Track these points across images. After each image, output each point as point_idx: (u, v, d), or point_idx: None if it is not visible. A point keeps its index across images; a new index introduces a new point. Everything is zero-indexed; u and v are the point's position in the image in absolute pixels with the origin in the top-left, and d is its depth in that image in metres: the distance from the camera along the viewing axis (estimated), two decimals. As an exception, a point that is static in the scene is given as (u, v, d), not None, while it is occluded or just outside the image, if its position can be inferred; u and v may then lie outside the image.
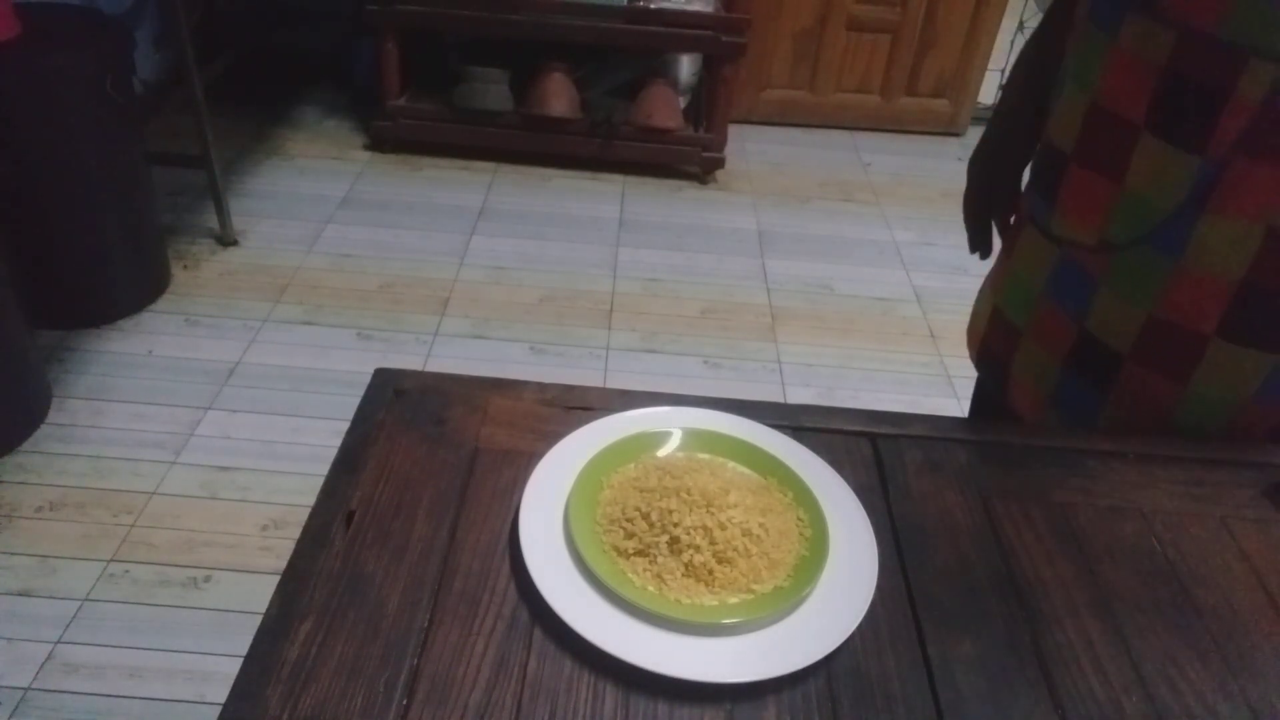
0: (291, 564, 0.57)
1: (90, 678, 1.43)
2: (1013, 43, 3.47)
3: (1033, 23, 3.50)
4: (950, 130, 3.48)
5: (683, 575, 0.58)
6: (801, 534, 0.62)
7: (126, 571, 1.59)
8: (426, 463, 0.66)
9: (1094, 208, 0.73)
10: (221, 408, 1.95)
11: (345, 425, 0.68)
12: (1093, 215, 0.74)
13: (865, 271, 2.64)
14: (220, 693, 1.19)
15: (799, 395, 2.15)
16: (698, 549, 0.58)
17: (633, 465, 0.66)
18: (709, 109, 2.94)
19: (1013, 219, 0.90)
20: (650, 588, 0.57)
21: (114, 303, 2.16)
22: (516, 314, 2.33)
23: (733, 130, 3.04)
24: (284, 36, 3.33)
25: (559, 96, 2.83)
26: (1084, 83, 0.72)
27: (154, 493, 1.74)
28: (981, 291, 0.94)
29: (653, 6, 2.75)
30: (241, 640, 0.82)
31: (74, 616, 1.51)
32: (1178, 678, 0.56)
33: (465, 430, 0.69)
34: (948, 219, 2.94)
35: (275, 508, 1.74)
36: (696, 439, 0.68)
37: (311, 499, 0.62)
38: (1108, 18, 0.69)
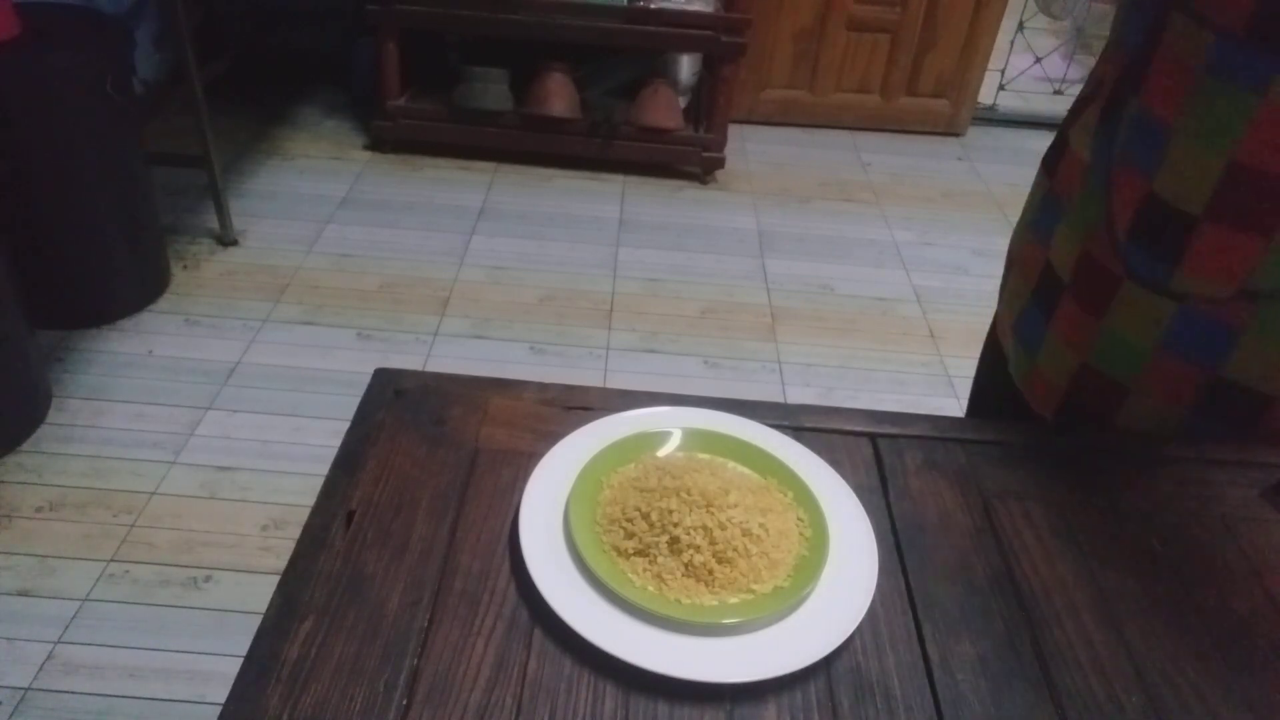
0: (291, 564, 0.57)
1: (90, 678, 1.43)
2: (1012, 43, 3.48)
3: (1033, 22, 3.53)
4: (950, 130, 3.48)
5: (683, 575, 0.58)
6: (801, 534, 0.62)
7: (126, 571, 1.59)
8: (426, 463, 0.66)
9: (1236, 263, 0.70)
10: (221, 408, 1.95)
11: (345, 425, 0.68)
12: (1234, 270, 0.71)
13: (865, 271, 2.64)
14: (220, 693, 1.19)
15: (799, 395, 2.15)
16: (698, 549, 0.58)
17: (633, 465, 0.66)
18: (709, 109, 2.94)
19: (1065, 271, 0.83)
20: (650, 588, 0.57)
21: (114, 303, 2.16)
22: (516, 314, 2.33)
23: (733, 130, 3.04)
24: (284, 36, 3.33)
25: (559, 96, 2.83)
26: (1214, 142, 0.68)
27: (154, 493, 1.74)
28: (1046, 347, 0.86)
29: (653, 6, 2.75)
30: (241, 640, 0.82)
31: (74, 616, 1.51)
32: (1178, 678, 0.56)
33: (465, 430, 0.69)
34: (948, 219, 2.94)
35: (275, 508, 1.74)
36: (696, 439, 0.68)
37: (311, 499, 0.62)
38: (1251, 76, 0.66)
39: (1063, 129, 0.85)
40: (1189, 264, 0.72)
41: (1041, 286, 0.86)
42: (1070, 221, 0.82)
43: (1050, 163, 0.87)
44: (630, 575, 0.58)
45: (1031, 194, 0.90)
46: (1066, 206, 0.83)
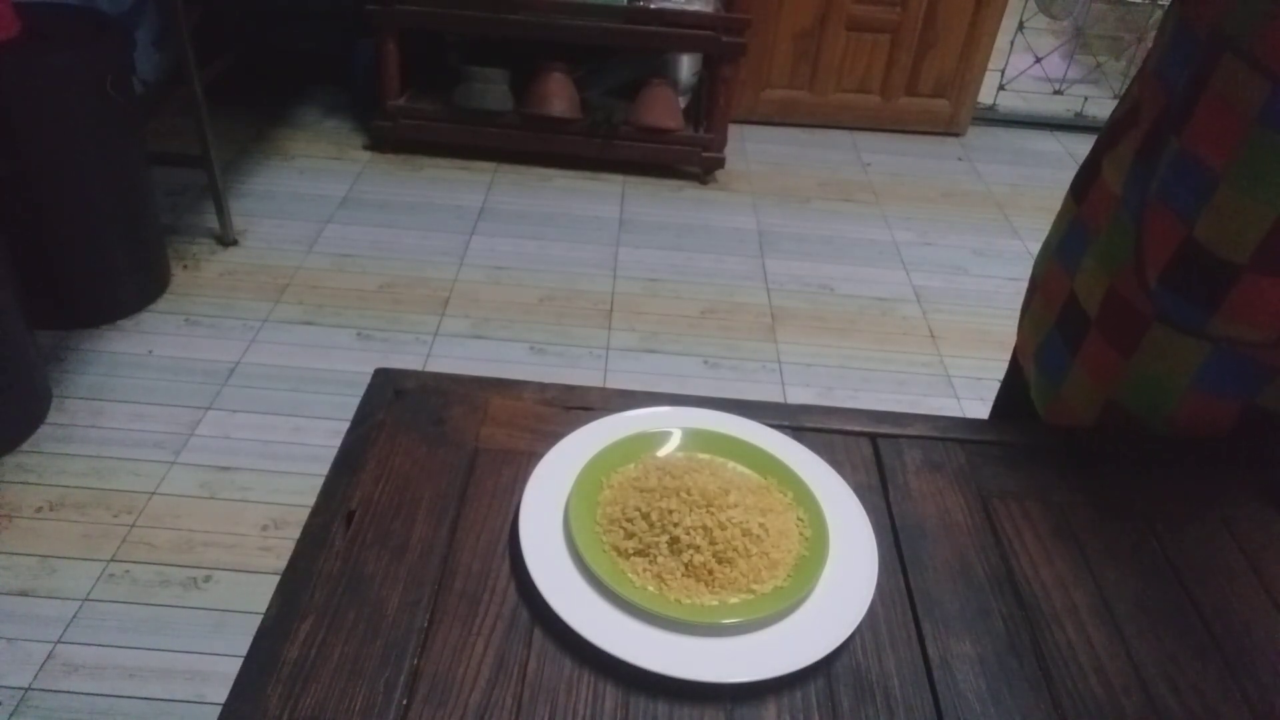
0: (291, 564, 0.57)
1: (90, 678, 1.43)
2: (1012, 43, 3.48)
3: (1033, 22, 3.52)
4: (950, 130, 3.48)
5: (683, 575, 0.58)
6: (801, 534, 0.62)
7: (126, 571, 1.59)
8: (426, 463, 0.66)
9: (1277, 312, 0.68)
10: (221, 408, 1.94)
11: (345, 425, 0.68)
12: (1274, 319, 0.69)
13: (865, 271, 2.64)
14: (220, 693, 1.19)
15: (799, 395, 2.15)
16: (698, 549, 0.58)
17: (633, 465, 0.66)
18: (709, 109, 2.94)
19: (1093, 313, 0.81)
20: (650, 588, 0.57)
21: (114, 303, 2.16)
22: (516, 314, 2.33)
23: (733, 130, 3.04)
24: (284, 36, 3.33)
25: (559, 96, 2.83)
26: (1261, 194, 0.66)
27: (154, 493, 1.74)
28: (1071, 380, 0.83)
29: (653, 6, 2.75)
30: (241, 640, 0.82)
31: (74, 616, 1.51)
32: (1178, 678, 0.56)
33: (465, 430, 0.69)
34: (948, 219, 2.94)
35: (275, 508, 1.74)
36: (696, 439, 0.68)
37: (311, 499, 0.62)
38: None
39: (1096, 153, 0.82)
40: (1227, 311, 0.70)
41: (1066, 317, 0.84)
42: (1096, 254, 0.79)
43: (1079, 187, 0.83)
44: (630, 575, 0.58)
45: (1059, 216, 0.87)
46: (1093, 236, 0.80)
